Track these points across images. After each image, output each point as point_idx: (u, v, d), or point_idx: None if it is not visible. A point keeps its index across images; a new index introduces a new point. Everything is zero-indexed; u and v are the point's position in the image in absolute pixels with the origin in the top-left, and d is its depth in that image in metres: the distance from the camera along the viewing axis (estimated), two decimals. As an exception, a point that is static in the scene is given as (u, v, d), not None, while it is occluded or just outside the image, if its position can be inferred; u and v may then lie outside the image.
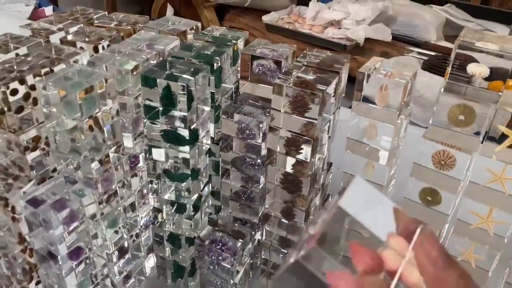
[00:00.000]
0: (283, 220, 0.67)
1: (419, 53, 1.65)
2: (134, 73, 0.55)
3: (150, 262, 0.72)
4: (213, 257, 0.64)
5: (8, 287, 0.62)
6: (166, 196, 0.63)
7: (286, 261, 0.27)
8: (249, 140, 0.60)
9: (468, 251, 0.61)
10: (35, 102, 0.51)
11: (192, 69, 0.54)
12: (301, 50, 0.66)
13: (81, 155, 0.51)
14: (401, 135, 0.63)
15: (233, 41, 0.65)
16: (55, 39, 0.65)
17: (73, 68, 0.51)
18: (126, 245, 0.62)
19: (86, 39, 0.63)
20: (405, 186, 0.63)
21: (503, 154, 0.54)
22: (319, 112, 0.55)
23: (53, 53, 0.57)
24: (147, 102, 0.54)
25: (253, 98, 0.63)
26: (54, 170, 0.56)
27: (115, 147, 0.55)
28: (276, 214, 0.68)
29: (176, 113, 0.54)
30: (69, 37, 0.64)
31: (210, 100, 0.59)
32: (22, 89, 0.50)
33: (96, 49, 0.62)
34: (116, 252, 0.61)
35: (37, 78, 0.51)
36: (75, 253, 0.53)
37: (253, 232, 0.68)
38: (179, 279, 0.71)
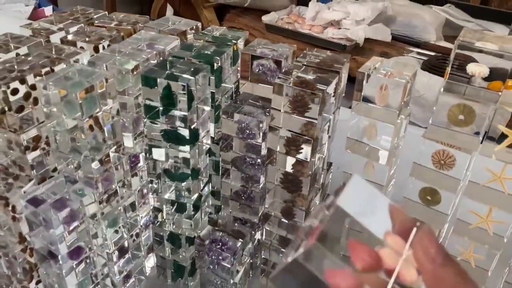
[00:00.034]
0: (283, 219, 0.67)
1: (419, 53, 1.65)
2: (135, 72, 0.55)
3: (150, 262, 0.73)
4: (213, 257, 0.65)
5: (8, 286, 0.62)
6: (166, 196, 0.63)
7: (283, 260, 0.27)
8: (249, 140, 0.60)
9: (467, 250, 0.61)
10: (35, 101, 0.51)
11: (192, 69, 0.54)
12: (301, 50, 0.66)
13: (81, 155, 0.51)
14: (400, 135, 0.64)
15: (233, 41, 0.65)
16: (55, 39, 0.65)
17: (73, 67, 0.51)
18: (126, 244, 0.63)
19: (87, 39, 0.63)
20: (405, 186, 0.63)
21: (502, 153, 0.54)
22: (319, 112, 0.55)
23: (53, 52, 0.57)
24: (148, 102, 0.55)
25: (253, 98, 0.63)
26: (55, 169, 0.56)
27: (115, 146, 0.55)
28: (276, 213, 0.68)
29: (176, 112, 0.54)
30: (70, 37, 0.64)
31: (210, 100, 0.59)
32: (23, 89, 0.50)
33: (96, 49, 0.62)
34: (116, 252, 0.61)
35: (38, 78, 0.51)
36: (75, 252, 0.53)
37: (253, 232, 0.68)
38: (179, 278, 0.71)
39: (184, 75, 0.53)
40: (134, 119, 0.58)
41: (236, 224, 0.69)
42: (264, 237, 0.72)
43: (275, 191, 0.65)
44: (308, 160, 0.59)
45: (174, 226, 0.66)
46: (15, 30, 0.65)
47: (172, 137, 0.56)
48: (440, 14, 1.84)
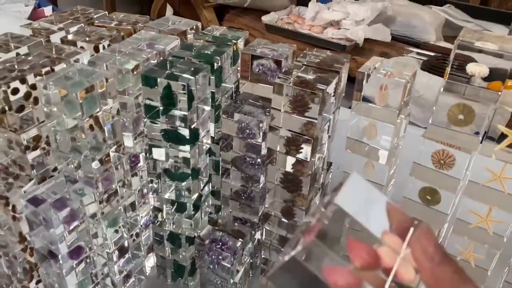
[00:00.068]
0: (283, 219, 0.67)
1: (418, 54, 1.65)
2: (135, 72, 0.56)
3: (150, 262, 0.73)
4: (213, 257, 0.65)
5: (8, 286, 0.62)
6: (166, 196, 0.63)
7: (281, 258, 0.27)
8: (249, 140, 0.61)
9: (467, 250, 0.61)
10: (36, 101, 0.51)
11: (192, 69, 0.54)
12: (301, 50, 0.66)
13: (81, 155, 0.51)
14: (400, 134, 0.64)
15: (233, 41, 0.65)
16: (55, 38, 0.65)
17: (73, 67, 0.51)
18: (126, 244, 0.63)
19: (87, 39, 0.63)
20: (405, 186, 0.63)
21: (502, 153, 0.54)
22: (319, 112, 0.55)
23: (53, 52, 0.57)
24: (148, 102, 0.55)
25: (253, 98, 0.63)
26: (55, 169, 0.56)
27: (115, 146, 0.55)
28: (276, 213, 0.68)
29: (177, 112, 0.54)
30: (70, 37, 0.64)
31: (210, 100, 0.59)
32: (23, 89, 0.50)
33: (96, 49, 0.62)
34: (116, 252, 0.61)
35: (38, 78, 0.51)
36: (75, 252, 0.53)
37: (253, 232, 0.68)
38: (179, 278, 0.71)
39: (184, 75, 0.53)
40: (134, 118, 0.58)
41: (236, 223, 0.69)
42: (264, 236, 0.72)
43: (275, 191, 0.65)
44: (308, 160, 0.59)
45: (174, 226, 0.66)
46: (15, 30, 0.65)
47: (172, 137, 0.56)
48: (439, 14, 1.85)
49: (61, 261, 0.51)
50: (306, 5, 1.92)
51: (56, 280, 0.54)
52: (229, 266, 0.64)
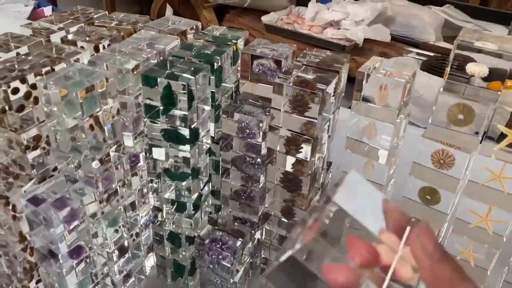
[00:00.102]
0: (283, 219, 0.67)
1: (418, 54, 1.66)
2: (135, 72, 0.56)
3: (150, 261, 0.73)
4: (213, 256, 0.65)
5: (8, 285, 0.62)
6: (166, 195, 0.63)
7: (279, 256, 0.27)
8: (249, 139, 0.61)
9: (467, 250, 0.61)
10: (36, 101, 0.52)
11: (192, 69, 0.54)
12: (300, 50, 0.66)
13: (81, 154, 0.51)
14: (400, 134, 0.64)
15: (233, 40, 0.65)
16: (55, 38, 0.65)
17: (74, 67, 0.51)
18: (126, 244, 0.63)
19: (87, 39, 0.63)
20: (405, 185, 0.63)
21: (502, 153, 0.54)
22: (319, 112, 0.55)
23: (53, 52, 0.57)
24: (148, 101, 0.55)
25: (253, 98, 0.63)
26: (55, 169, 0.56)
27: (115, 146, 0.55)
28: (276, 213, 0.68)
29: (177, 112, 0.54)
30: (70, 37, 0.64)
31: (210, 100, 0.59)
32: (23, 88, 0.50)
33: (96, 49, 0.62)
34: (116, 251, 0.61)
35: (38, 77, 0.51)
36: (75, 251, 0.53)
37: (253, 231, 0.68)
38: (179, 278, 0.71)
39: (184, 75, 0.53)
40: (134, 118, 0.58)
41: (236, 223, 0.69)
42: (264, 236, 0.72)
43: (275, 191, 0.65)
44: (308, 159, 0.59)
45: (174, 226, 0.66)
46: (15, 30, 0.65)
47: (172, 137, 0.57)
48: (439, 14, 1.85)
49: (61, 261, 0.51)
50: (306, 5, 1.92)
51: (56, 280, 0.54)
52: (229, 265, 0.64)
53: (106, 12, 0.75)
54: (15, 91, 0.49)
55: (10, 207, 0.55)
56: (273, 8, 2.03)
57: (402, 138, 0.65)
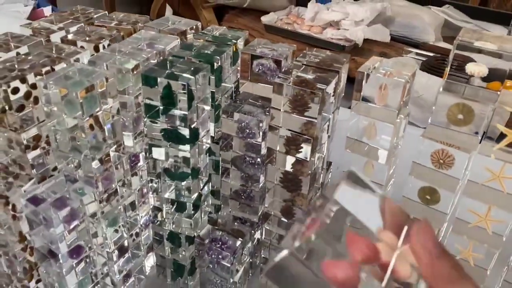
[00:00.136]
0: (283, 219, 0.68)
1: (418, 54, 1.66)
2: (135, 72, 0.56)
3: (150, 261, 0.73)
4: (213, 256, 0.65)
5: (8, 285, 0.63)
6: (166, 195, 0.63)
7: (277, 254, 0.27)
8: (249, 139, 0.61)
9: (467, 249, 0.61)
10: (36, 100, 0.52)
11: (192, 68, 0.54)
12: (300, 51, 0.66)
13: (81, 154, 0.52)
14: (400, 134, 0.64)
15: (233, 40, 0.65)
16: (55, 38, 0.65)
17: (74, 67, 0.51)
18: (126, 244, 0.63)
19: (87, 38, 0.63)
20: (404, 185, 0.63)
21: (501, 153, 0.55)
22: (318, 111, 0.55)
23: (53, 52, 0.57)
24: (148, 101, 0.55)
25: (253, 97, 0.63)
26: (55, 168, 0.56)
27: (115, 146, 0.55)
28: (275, 213, 0.68)
29: (177, 112, 0.54)
30: (70, 36, 0.64)
31: (210, 99, 0.59)
32: (23, 88, 0.50)
33: (96, 48, 0.62)
34: (116, 251, 0.61)
35: (38, 77, 0.51)
36: (75, 251, 0.53)
37: (252, 231, 0.68)
38: (179, 278, 0.71)
39: (184, 75, 0.53)
40: (134, 118, 0.58)
41: (235, 223, 0.69)
42: (263, 236, 0.72)
43: (274, 191, 0.65)
44: (308, 159, 0.59)
45: (174, 226, 0.66)
46: (14, 30, 0.65)
47: (172, 137, 0.57)
48: (439, 15, 1.85)
49: (61, 261, 0.52)
50: (306, 6, 1.92)
51: (56, 280, 0.54)
52: (228, 265, 0.64)
53: (106, 12, 0.75)
54: (15, 91, 0.49)
55: (10, 206, 0.55)
56: (272, 8, 2.03)
57: (402, 138, 0.65)
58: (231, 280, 0.66)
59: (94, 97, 0.49)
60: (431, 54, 1.62)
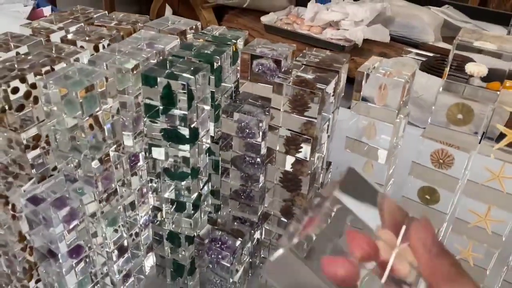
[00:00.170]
0: (283, 219, 0.67)
1: (417, 54, 1.66)
2: (135, 72, 0.56)
3: (149, 261, 0.73)
4: (212, 256, 0.65)
5: (8, 285, 0.62)
6: (166, 195, 0.63)
7: (276, 251, 0.27)
8: (248, 139, 0.61)
9: (466, 249, 0.61)
10: (35, 100, 0.52)
11: (192, 68, 0.54)
12: (300, 51, 0.67)
13: (81, 154, 0.52)
14: (399, 134, 0.64)
15: (232, 40, 0.65)
16: (55, 38, 0.65)
17: (73, 67, 0.51)
18: (125, 243, 0.63)
19: (87, 38, 0.63)
20: (404, 185, 0.63)
21: (501, 153, 0.55)
22: (318, 111, 0.55)
23: (53, 52, 0.57)
24: (147, 101, 0.55)
25: (253, 97, 0.63)
26: (55, 168, 0.56)
27: (115, 145, 0.55)
28: (275, 213, 0.68)
29: (176, 112, 0.54)
30: (70, 36, 0.64)
31: (210, 99, 0.59)
32: (23, 88, 0.50)
33: (96, 48, 0.62)
34: (116, 251, 0.61)
35: (38, 77, 0.51)
36: (75, 251, 0.53)
37: (252, 231, 0.68)
38: (179, 278, 0.71)
39: (184, 74, 0.53)
40: (134, 118, 0.58)
41: (235, 223, 0.69)
42: (263, 236, 0.72)
43: (274, 190, 0.65)
44: (308, 159, 0.59)
45: (173, 225, 0.66)
46: (14, 29, 0.65)
47: (172, 136, 0.57)
48: (438, 15, 1.85)
49: (60, 260, 0.51)
50: (305, 6, 1.93)
51: (56, 279, 0.54)
52: (228, 265, 0.64)
53: (106, 12, 0.75)
54: (15, 90, 0.49)
55: (10, 206, 0.55)
56: (272, 9, 2.04)
57: (402, 138, 0.65)
58: (231, 280, 0.66)
59: (94, 97, 0.49)
60: (431, 54, 1.62)
